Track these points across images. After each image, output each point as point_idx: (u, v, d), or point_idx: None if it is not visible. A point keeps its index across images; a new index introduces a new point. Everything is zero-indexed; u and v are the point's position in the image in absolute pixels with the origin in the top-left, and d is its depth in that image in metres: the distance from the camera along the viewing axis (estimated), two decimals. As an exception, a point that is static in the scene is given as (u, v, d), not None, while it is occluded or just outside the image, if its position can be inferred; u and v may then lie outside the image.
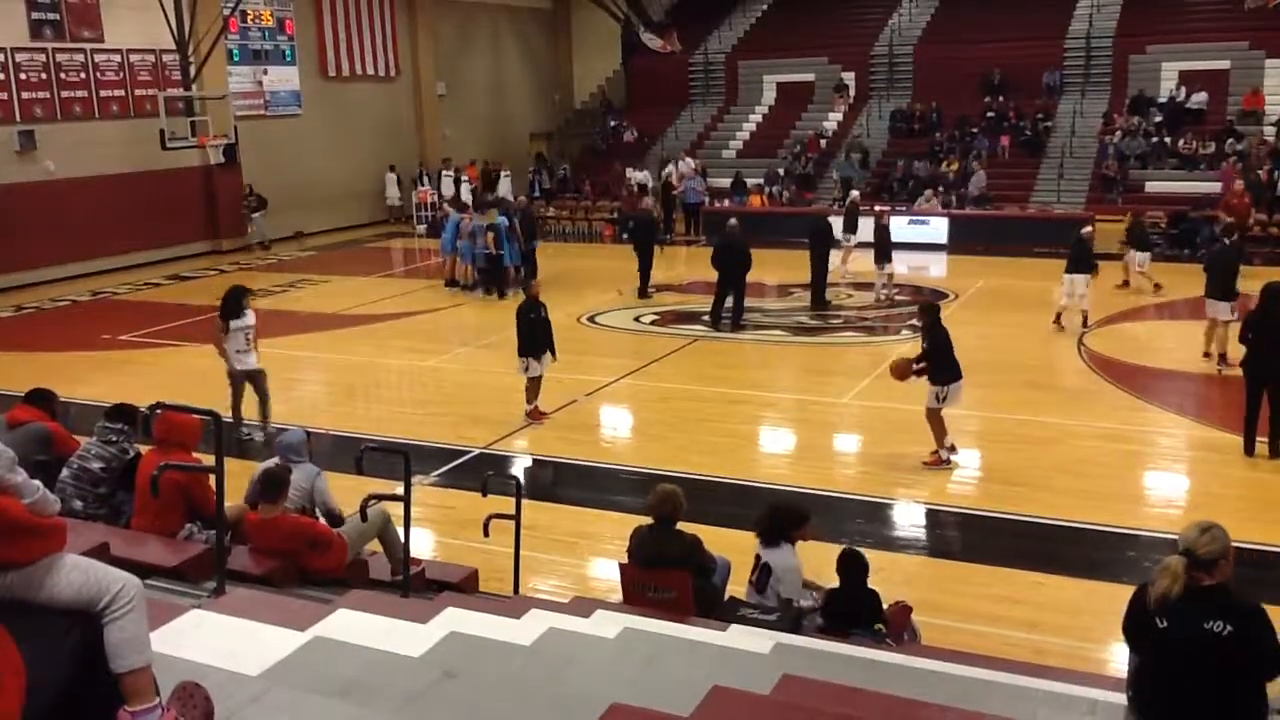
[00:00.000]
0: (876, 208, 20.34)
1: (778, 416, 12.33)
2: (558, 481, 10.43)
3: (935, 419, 9.97)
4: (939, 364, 9.90)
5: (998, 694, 4.74)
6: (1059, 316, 14.79)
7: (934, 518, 9.16)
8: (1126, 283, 17.48)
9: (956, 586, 7.81)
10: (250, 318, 11.23)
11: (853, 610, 6.07)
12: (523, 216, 19.74)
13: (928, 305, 10.66)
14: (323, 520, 6.56)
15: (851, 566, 6.17)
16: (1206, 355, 13.20)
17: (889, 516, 9.21)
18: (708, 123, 30.92)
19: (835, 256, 19.84)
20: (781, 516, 6.36)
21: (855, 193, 22.18)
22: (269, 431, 10.96)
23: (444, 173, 27.56)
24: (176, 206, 23.01)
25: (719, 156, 28.88)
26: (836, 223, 20.02)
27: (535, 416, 11.68)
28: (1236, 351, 12.76)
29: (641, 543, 6.06)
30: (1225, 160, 23.09)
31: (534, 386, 11.72)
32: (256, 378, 11.31)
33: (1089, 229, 15.35)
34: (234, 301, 11.15)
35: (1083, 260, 14.58)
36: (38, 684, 2.68)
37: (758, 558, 6.30)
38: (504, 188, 26.76)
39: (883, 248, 17.33)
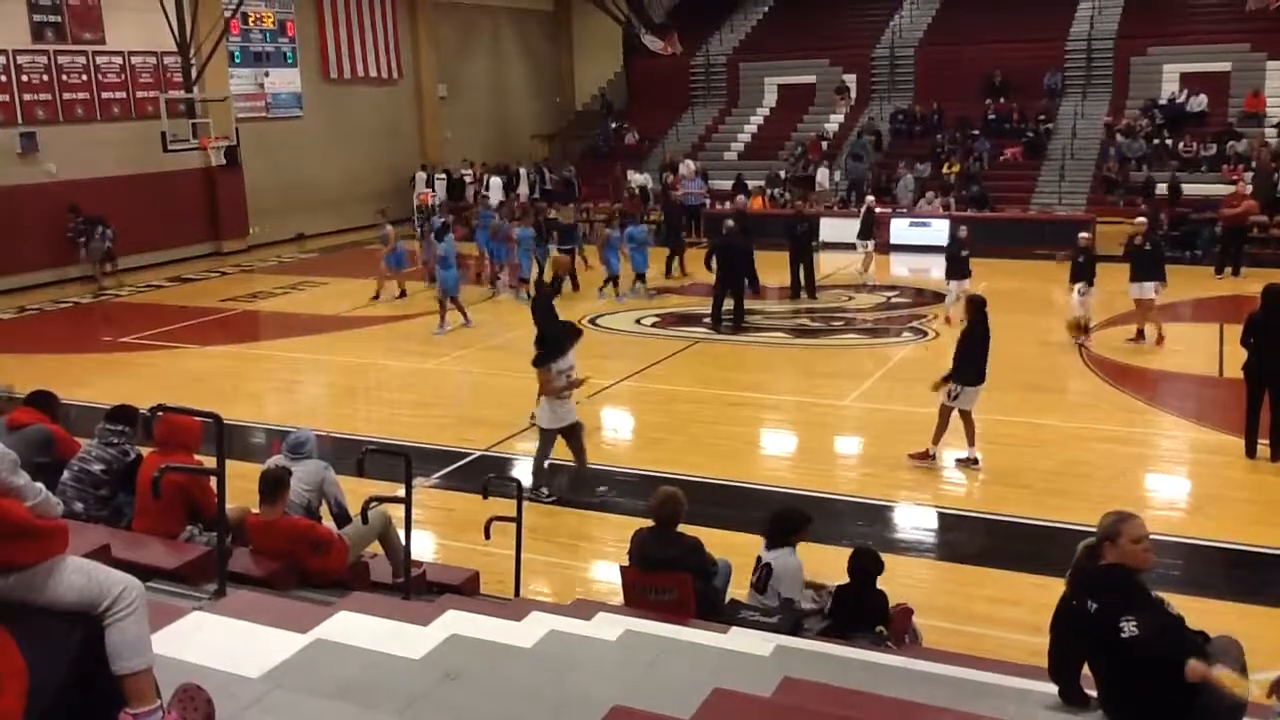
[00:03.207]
0: (955, 222, 19.13)
1: (779, 418, 12.34)
2: (559, 483, 10.42)
3: (943, 415, 9.98)
4: (962, 360, 9.89)
5: (998, 696, 4.74)
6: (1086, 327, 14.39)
7: (935, 520, 9.15)
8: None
9: (957, 589, 7.81)
10: (572, 357, 9.61)
11: (859, 609, 6.07)
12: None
13: (971, 299, 10.45)
14: (332, 516, 6.57)
15: (864, 565, 6.17)
16: (1141, 337, 14.21)
17: (890, 519, 9.21)
18: (709, 125, 30.93)
19: (839, 260, 19.92)
20: (784, 521, 6.39)
21: (870, 198, 22.15)
22: (585, 473, 9.61)
23: (464, 173, 27.85)
24: (178, 208, 23.03)
25: (720, 159, 28.89)
26: (835, 224, 20.12)
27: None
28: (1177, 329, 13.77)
29: (643, 545, 6.06)
30: (1225, 163, 23.08)
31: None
32: (575, 431, 9.66)
33: (1086, 235, 15.08)
34: (558, 341, 9.65)
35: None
36: (39, 686, 2.68)
37: (759, 559, 6.32)
38: (495, 189, 26.84)
39: (959, 264, 15.79)
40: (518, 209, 23.66)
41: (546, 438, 9.58)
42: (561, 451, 9.82)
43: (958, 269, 15.80)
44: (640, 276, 18.53)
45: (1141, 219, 15.26)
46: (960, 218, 22.66)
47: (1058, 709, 4.45)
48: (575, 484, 9.72)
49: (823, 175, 26.00)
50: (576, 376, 9.58)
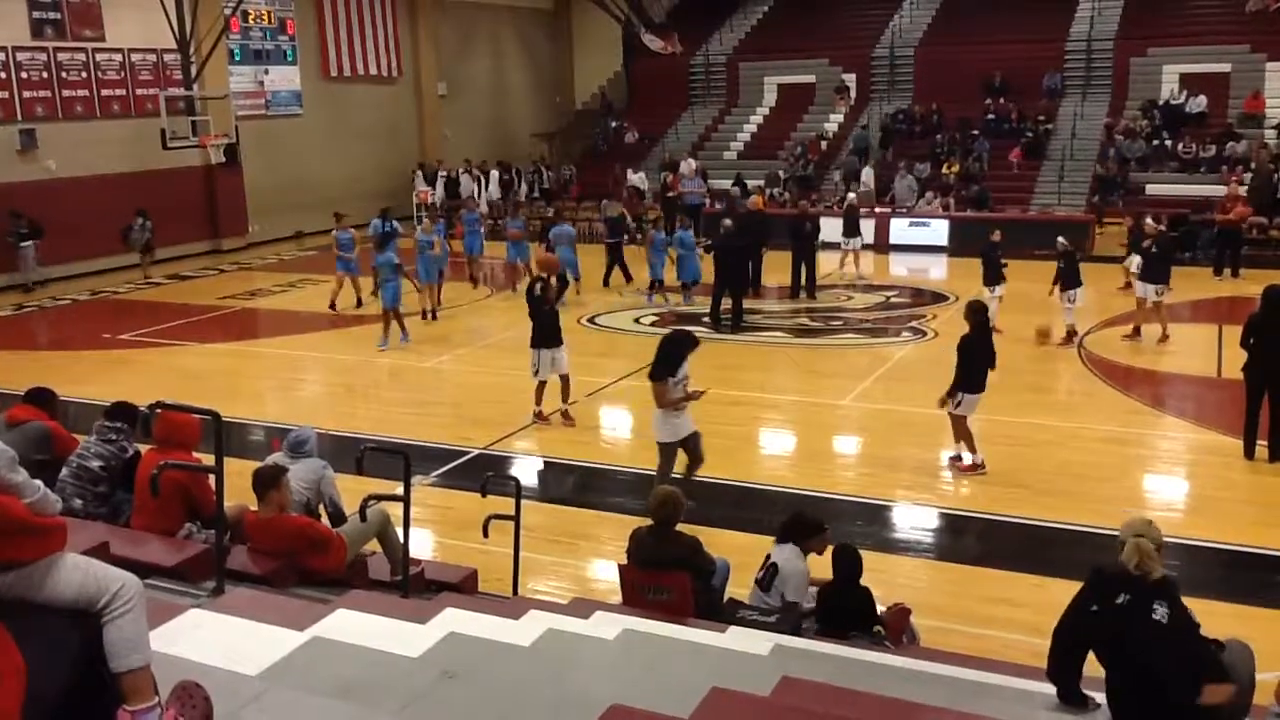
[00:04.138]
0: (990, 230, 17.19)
1: (778, 418, 12.33)
2: (557, 482, 10.43)
3: (956, 424, 9.96)
4: (964, 368, 9.80)
5: (997, 696, 4.75)
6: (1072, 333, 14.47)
7: (934, 520, 9.15)
8: (1129, 284, 17.36)
9: (956, 589, 7.81)
10: (687, 367, 9.00)
11: (845, 606, 6.07)
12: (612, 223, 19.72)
13: (970, 304, 10.19)
14: (327, 515, 6.57)
15: (843, 561, 6.18)
16: (1138, 334, 14.43)
17: (889, 519, 9.20)
18: (709, 124, 30.90)
19: (833, 260, 19.95)
20: (798, 521, 6.40)
21: (852, 195, 22.22)
22: (691, 483, 8.77)
23: (462, 172, 27.92)
24: (177, 206, 23.02)
25: (720, 158, 28.87)
26: (833, 224, 20.16)
27: (549, 418, 11.66)
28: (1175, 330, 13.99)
29: (641, 544, 6.06)
30: (1225, 164, 23.06)
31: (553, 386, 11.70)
32: (693, 440, 9.04)
33: (1065, 240, 15.05)
34: (678, 350, 8.99)
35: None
36: (37, 683, 2.68)
37: (768, 556, 6.34)
38: (465, 188, 26.95)
39: (993, 267, 15.13)
40: (516, 208, 23.70)
41: (667, 452, 8.98)
42: (566, 452, 9.77)
43: (993, 274, 15.18)
44: (690, 285, 17.67)
45: (1150, 221, 15.35)
46: (959, 218, 22.73)
47: (1057, 709, 4.46)
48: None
49: (867, 175, 25.17)
50: (694, 389, 9.01)
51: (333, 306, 17.82)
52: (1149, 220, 15.58)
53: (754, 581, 6.32)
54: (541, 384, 11.55)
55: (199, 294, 20.09)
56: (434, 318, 16.94)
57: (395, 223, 19.41)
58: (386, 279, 14.97)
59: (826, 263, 19.97)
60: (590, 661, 4.66)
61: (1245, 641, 4.24)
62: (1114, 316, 15.68)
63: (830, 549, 6.34)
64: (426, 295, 16.95)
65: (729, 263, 16.17)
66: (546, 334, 11.46)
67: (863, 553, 6.39)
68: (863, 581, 6.22)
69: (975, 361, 9.79)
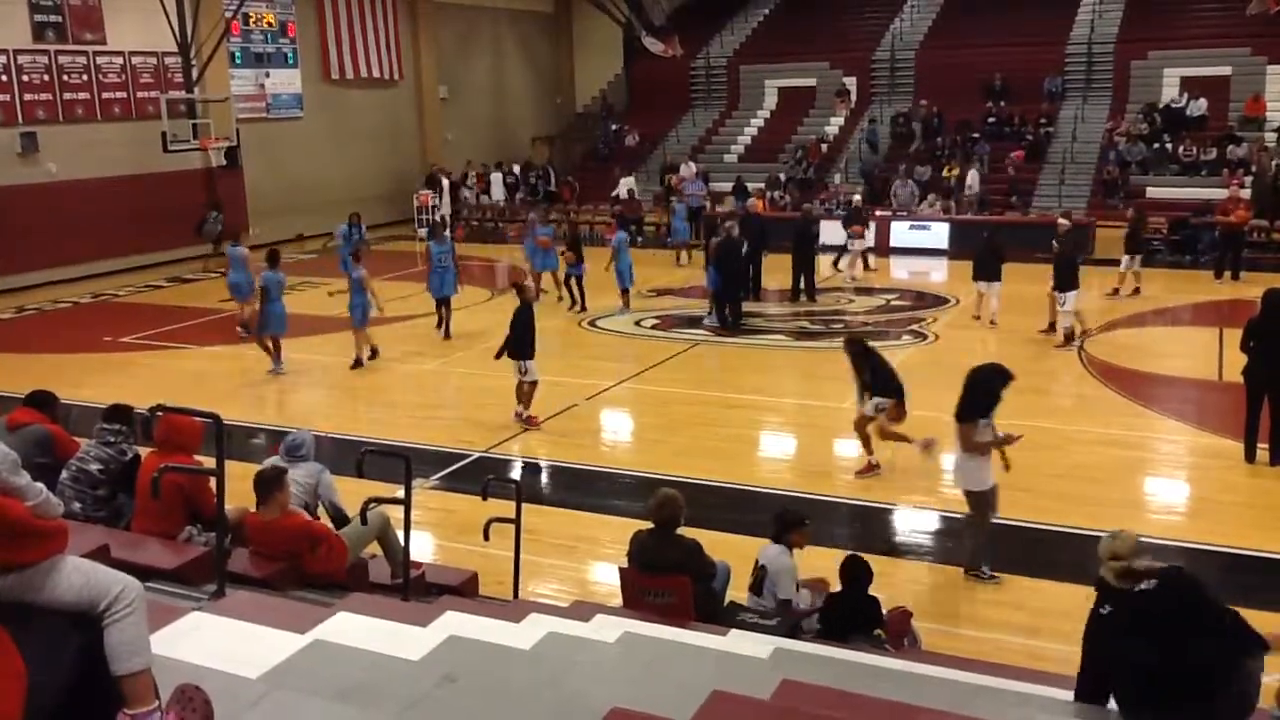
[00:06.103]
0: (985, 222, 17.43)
1: (778, 421, 12.33)
2: (558, 485, 10.43)
3: (861, 426, 9.93)
4: (879, 383, 9.80)
5: (996, 699, 4.74)
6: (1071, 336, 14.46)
7: (934, 523, 9.14)
8: (1116, 290, 17.29)
9: (955, 592, 7.81)
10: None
11: (851, 616, 6.07)
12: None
13: (851, 338, 10.49)
14: (330, 519, 6.56)
15: (854, 572, 6.18)
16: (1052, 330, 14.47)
17: (889, 522, 9.20)
18: (709, 127, 30.94)
19: (843, 261, 19.95)
20: (778, 519, 6.50)
21: (857, 197, 22.23)
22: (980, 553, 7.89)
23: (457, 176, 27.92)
24: (178, 209, 23.02)
25: (721, 161, 28.90)
26: (833, 226, 20.18)
27: (532, 422, 11.64)
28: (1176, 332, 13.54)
29: (642, 547, 6.06)
30: (1226, 167, 23.04)
31: (531, 391, 11.67)
32: (992, 494, 7.85)
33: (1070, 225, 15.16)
34: (990, 387, 7.82)
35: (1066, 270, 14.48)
36: (38, 686, 2.68)
37: (757, 561, 6.35)
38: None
39: (988, 265, 15.24)
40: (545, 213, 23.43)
41: (980, 501, 7.82)
42: (567, 455, 9.67)
43: (991, 273, 15.31)
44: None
45: (1062, 220, 15.85)
46: (959, 221, 22.71)
47: (1057, 713, 4.45)
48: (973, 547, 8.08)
49: (973, 178, 24.47)
50: (1009, 432, 7.94)
51: (246, 329, 16.17)
52: (1060, 219, 16.01)
53: (748, 589, 6.35)
54: (519, 386, 11.58)
55: (199, 296, 20.11)
56: (358, 364, 14.54)
57: (360, 229, 19.40)
58: (267, 302, 14.12)
59: (830, 266, 19.99)
60: (591, 665, 4.66)
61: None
62: (1115, 319, 15.67)
63: (838, 558, 6.36)
64: (359, 340, 14.74)
65: (729, 265, 16.18)
66: (528, 346, 11.47)
67: (863, 555, 6.40)
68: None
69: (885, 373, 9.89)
